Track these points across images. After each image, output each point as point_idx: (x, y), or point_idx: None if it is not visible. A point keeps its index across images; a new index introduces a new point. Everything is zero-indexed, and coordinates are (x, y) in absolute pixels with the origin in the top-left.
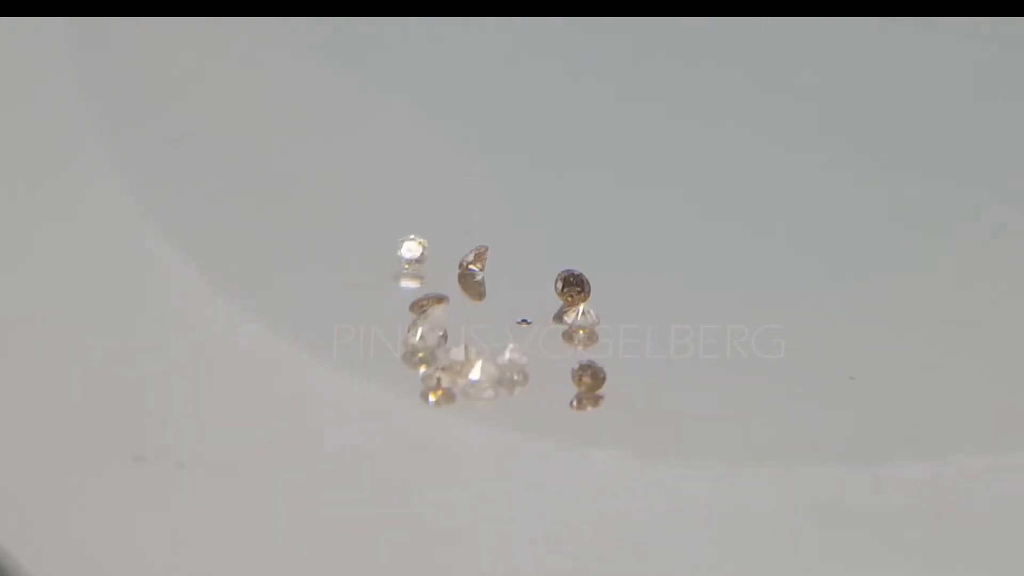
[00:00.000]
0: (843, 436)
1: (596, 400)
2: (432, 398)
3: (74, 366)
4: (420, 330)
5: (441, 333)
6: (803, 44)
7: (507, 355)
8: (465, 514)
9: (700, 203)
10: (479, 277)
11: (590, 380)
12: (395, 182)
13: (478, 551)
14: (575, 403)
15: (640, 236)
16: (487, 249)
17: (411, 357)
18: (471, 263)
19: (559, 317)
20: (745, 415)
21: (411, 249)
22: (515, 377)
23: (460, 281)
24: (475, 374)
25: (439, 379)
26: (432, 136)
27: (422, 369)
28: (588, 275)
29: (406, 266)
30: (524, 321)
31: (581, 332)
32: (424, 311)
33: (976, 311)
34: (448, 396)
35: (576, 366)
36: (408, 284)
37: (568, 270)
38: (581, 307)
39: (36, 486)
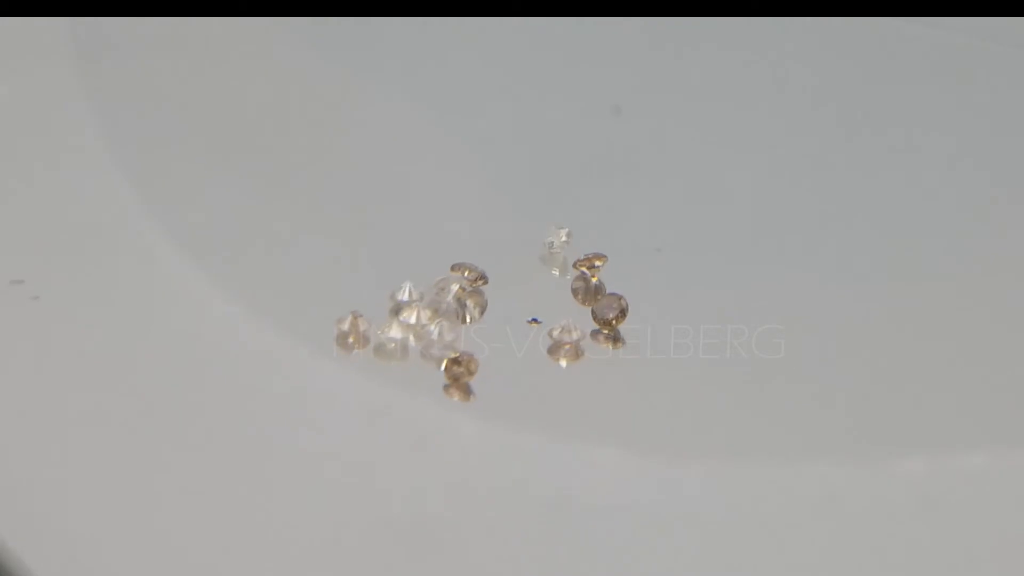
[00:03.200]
0: (843, 436)
1: (467, 393)
2: (343, 339)
3: (74, 366)
4: (407, 287)
5: (433, 297)
6: (804, 43)
7: (434, 329)
8: (465, 513)
9: (701, 203)
10: (591, 283)
11: (464, 371)
12: (398, 182)
13: (478, 549)
14: (444, 390)
15: (640, 236)
16: (604, 259)
17: (393, 312)
18: (582, 265)
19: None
20: (745, 415)
21: (557, 236)
22: (440, 352)
23: (574, 287)
24: (393, 331)
25: (358, 323)
26: (436, 136)
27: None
28: (588, 275)
29: (551, 253)
30: (534, 320)
31: (566, 347)
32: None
33: (977, 310)
34: (361, 340)
35: (452, 356)
36: (552, 270)
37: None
38: (564, 322)
39: (35, 486)
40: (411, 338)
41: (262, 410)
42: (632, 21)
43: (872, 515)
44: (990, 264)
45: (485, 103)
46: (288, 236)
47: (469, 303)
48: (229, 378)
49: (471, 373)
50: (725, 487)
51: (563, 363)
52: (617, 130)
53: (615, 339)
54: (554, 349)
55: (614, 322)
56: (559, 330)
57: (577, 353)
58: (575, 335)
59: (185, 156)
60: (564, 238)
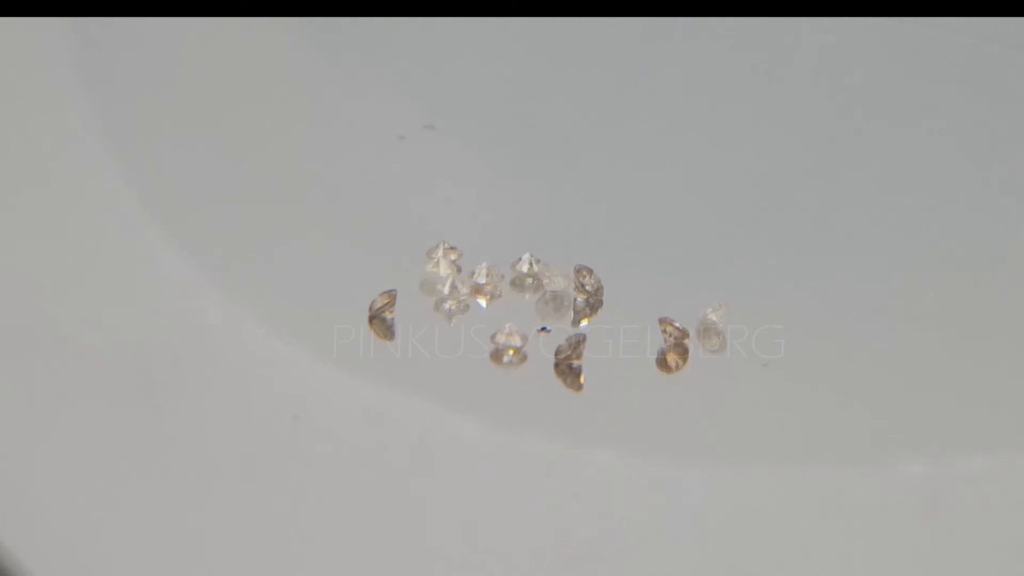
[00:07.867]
0: (843, 436)
1: (386, 333)
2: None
3: (76, 366)
4: (528, 256)
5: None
6: (800, 42)
7: (467, 281)
8: (464, 512)
9: (701, 204)
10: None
11: (385, 306)
12: (396, 182)
13: (477, 549)
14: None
15: (641, 236)
16: (687, 335)
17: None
18: (663, 325)
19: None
20: (744, 415)
21: (713, 312)
22: (493, 286)
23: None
24: (442, 268)
25: (450, 253)
26: (435, 137)
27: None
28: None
29: (707, 327)
30: (544, 329)
31: (511, 352)
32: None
33: (976, 310)
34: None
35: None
36: (710, 343)
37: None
38: (508, 326)
39: (36, 487)
40: (452, 280)
41: (265, 414)
42: (631, 21)
43: (873, 517)
44: (993, 267)
45: (487, 103)
46: (291, 238)
47: (577, 304)
48: (230, 380)
49: (390, 307)
50: (724, 488)
51: (509, 369)
52: (614, 128)
53: (575, 386)
54: (496, 355)
55: (570, 355)
56: (503, 335)
57: (521, 359)
58: (518, 340)
59: (186, 156)
60: (716, 314)
